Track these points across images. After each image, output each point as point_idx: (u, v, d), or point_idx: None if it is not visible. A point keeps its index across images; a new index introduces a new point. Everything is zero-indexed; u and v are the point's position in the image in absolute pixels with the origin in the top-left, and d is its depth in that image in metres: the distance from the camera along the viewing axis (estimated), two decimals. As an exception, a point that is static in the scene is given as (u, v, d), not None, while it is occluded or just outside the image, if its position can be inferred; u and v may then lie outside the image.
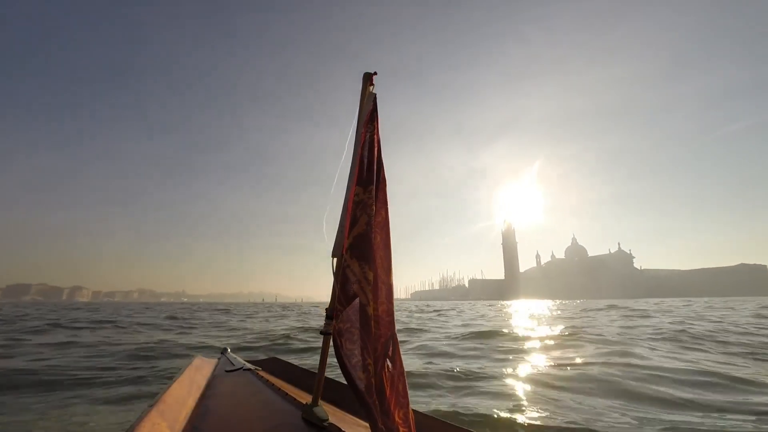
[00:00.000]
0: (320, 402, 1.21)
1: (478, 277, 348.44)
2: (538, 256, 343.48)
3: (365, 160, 1.20)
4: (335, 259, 1.17)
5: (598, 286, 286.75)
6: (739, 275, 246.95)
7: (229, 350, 2.34)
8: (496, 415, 2.68)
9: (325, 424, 1.13)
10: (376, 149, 1.20)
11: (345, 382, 1.09)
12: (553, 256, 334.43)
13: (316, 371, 1.24)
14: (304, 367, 2.07)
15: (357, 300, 1.10)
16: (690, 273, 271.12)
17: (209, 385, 1.61)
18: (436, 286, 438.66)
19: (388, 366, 1.06)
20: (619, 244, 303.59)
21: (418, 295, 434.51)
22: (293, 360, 2.43)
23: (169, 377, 1.66)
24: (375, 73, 1.28)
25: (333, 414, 1.24)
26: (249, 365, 1.96)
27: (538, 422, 2.51)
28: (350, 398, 1.32)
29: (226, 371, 1.85)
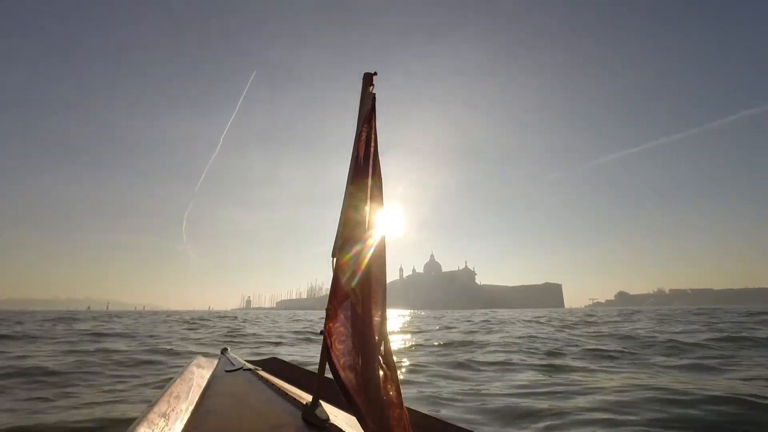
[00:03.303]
0: (320, 402, 1.20)
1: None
2: (401, 270, 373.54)
3: (361, 160, 1.20)
4: (335, 259, 1.16)
5: (449, 298, 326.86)
6: (544, 291, 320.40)
7: (229, 350, 2.33)
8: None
9: (326, 424, 1.13)
10: (372, 149, 1.22)
11: None
12: (414, 270, 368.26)
13: (317, 371, 1.24)
14: (304, 367, 2.03)
15: (348, 300, 1.10)
16: (514, 289, 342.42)
17: (209, 385, 1.61)
18: (305, 296, 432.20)
19: (381, 366, 1.06)
20: (466, 262, 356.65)
21: (284, 305, 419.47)
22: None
23: (170, 377, 1.80)
24: (375, 74, 1.28)
25: (333, 414, 1.24)
26: (249, 365, 1.95)
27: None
28: None
29: (226, 371, 1.85)
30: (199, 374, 1.76)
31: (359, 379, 1.03)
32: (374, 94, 1.26)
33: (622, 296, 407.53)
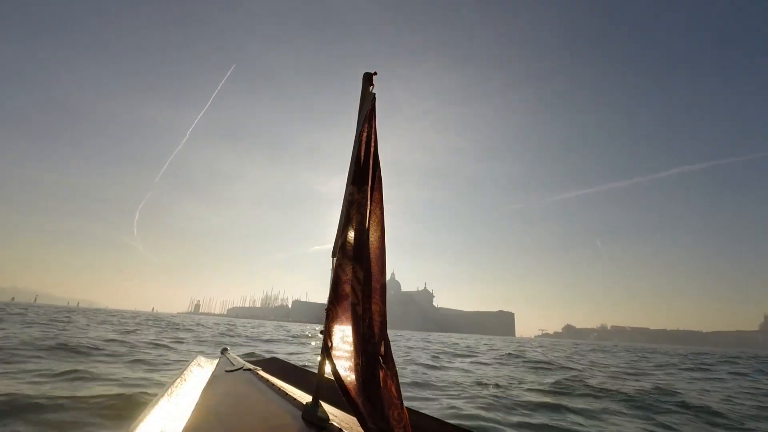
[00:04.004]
0: (320, 402, 1.20)
1: (303, 299, 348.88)
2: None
3: (361, 160, 1.21)
4: (335, 259, 1.16)
5: (407, 318, 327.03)
6: (498, 319, 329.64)
7: (229, 350, 2.30)
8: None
9: (326, 424, 1.13)
10: (372, 149, 1.22)
11: None
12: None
13: (316, 371, 1.24)
14: (304, 367, 2.05)
15: (348, 300, 1.10)
16: (469, 314, 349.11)
17: (209, 385, 1.61)
18: (258, 304, 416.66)
19: (381, 366, 1.06)
20: (425, 283, 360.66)
21: (236, 312, 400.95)
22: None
23: (170, 377, 1.73)
24: (375, 73, 1.28)
25: (333, 414, 1.24)
26: (249, 365, 1.95)
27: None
28: None
29: (226, 371, 1.84)
30: (199, 374, 1.76)
31: (359, 379, 1.03)
32: (374, 94, 1.27)
33: (569, 329, 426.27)
